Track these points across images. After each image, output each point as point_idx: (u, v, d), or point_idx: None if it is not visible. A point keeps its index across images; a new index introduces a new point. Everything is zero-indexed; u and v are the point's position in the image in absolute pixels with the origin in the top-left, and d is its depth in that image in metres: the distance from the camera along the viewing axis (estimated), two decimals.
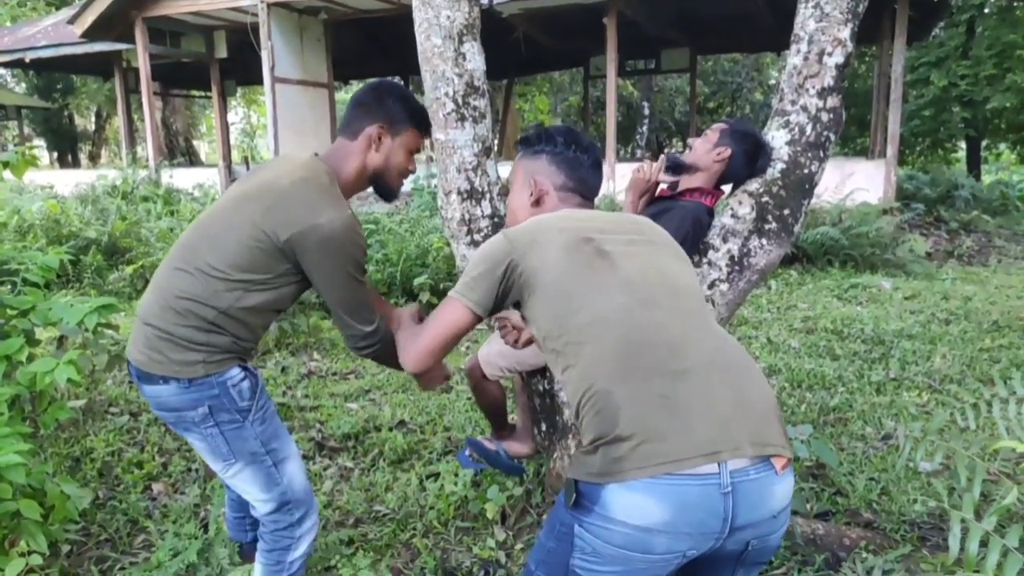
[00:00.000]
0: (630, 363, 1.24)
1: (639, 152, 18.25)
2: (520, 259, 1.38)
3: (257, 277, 1.66)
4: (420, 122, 1.81)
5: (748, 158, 2.28)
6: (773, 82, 19.61)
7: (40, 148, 21.60)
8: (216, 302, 1.64)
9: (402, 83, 17.93)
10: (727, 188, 2.42)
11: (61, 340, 3.29)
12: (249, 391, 1.72)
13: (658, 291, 1.34)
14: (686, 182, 2.34)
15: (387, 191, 1.84)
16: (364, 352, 1.77)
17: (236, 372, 1.71)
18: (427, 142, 2.01)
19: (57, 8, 17.99)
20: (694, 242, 2.25)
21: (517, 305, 1.44)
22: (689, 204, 2.28)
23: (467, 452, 2.75)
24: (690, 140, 2.41)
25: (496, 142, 17.60)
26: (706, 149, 2.32)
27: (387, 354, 1.78)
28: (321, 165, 1.74)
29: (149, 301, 1.71)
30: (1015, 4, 11.43)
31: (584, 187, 1.62)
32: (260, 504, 1.79)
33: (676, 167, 2.33)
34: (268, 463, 1.75)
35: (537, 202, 1.61)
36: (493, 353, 2.55)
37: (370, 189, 1.85)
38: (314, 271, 1.65)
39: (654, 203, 2.45)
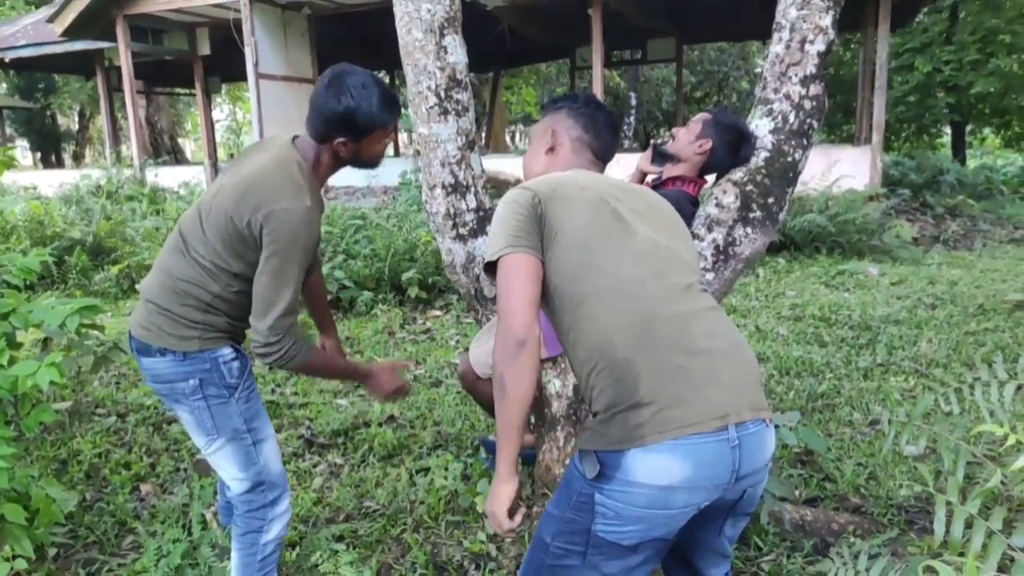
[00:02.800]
0: (648, 335, 1.30)
1: (627, 142, 18.23)
2: (545, 204, 1.41)
3: (234, 267, 1.74)
4: (384, 122, 1.77)
5: (731, 149, 2.28)
6: (759, 71, 19.60)
7: (23, 149, 21.39)
8: (209, 287, 1.75)
9: (387, 77, 17.87)
10: (711, 177, 2.43)
11: (46, 342, 3.26)
12: (238, 370, 1.83)
13: (666, 265, 1.40)
14: (668, 171, 2.35)
15: (365, 167, 1.89)
16: (269, 358, 1.72)
17: (228, 351, 1.82)
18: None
19: (36, 7, 17.76)
20: None
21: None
22: (671, 193, 2.29)
23: (485, 456, 2.81)
24: (675, 129, 2.41)
25: (484, 135, 17.57)
26: (688, 140, 2.32)
27: (306, 361, 1.78)
28: (294, 155, 1.77)
29: (152, 280, 1.83)
30: None
31: (597, 143, 1.68)
32: (236, 483, 1.87)
33: (660, 157, 2.36)
34: (248, 441, 1.84)
35: (551, 149, 1.68)
36: (484, 352, 2.54)
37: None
38: (262, 252, 1.68)
39: None
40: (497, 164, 10.73)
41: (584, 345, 1.34)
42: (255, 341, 1.73)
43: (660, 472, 1.23)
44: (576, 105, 1.69)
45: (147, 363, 1.79)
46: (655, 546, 1.32)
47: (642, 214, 1.47)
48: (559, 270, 1.37)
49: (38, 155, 21.34)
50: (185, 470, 3.01)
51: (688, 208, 2.29)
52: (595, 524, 1.29)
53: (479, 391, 2.66)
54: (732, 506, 1.37)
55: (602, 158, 1.69)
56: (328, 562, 2.25)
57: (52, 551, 2.36)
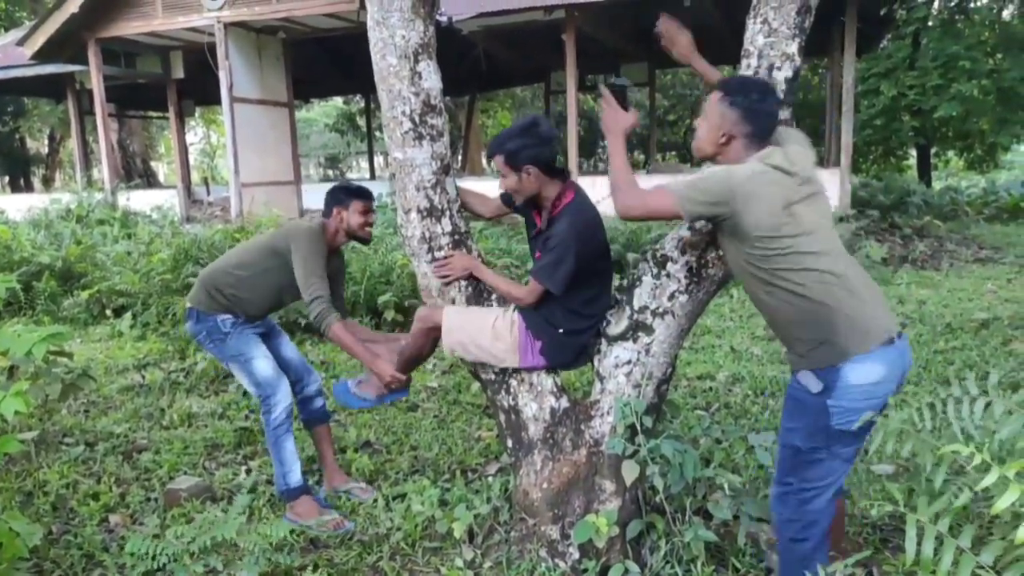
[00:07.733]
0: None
1: (601, 165, 18.42)
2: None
3: None
4: (358, 196, 2.82)
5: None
6: None
7: None
8: None
9: (362, 101, 17.90)
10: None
11: (12, 370, 3.19)
12: None
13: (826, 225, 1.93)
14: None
15: (359, 240, 2.89)
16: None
17: None
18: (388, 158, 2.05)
19: (6, 29, 17.59)
20: None
21: None
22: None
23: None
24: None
25: (460, 158, 17.62)
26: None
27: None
28: (319, 222, 2.85)
29: None
30: (956, 18, 11.85)
31: (766, 132, 2.01)
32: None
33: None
34: None
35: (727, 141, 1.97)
36: (455, 323, 2.38)
37: None
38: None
39: None
40: (473, 186, 10.76)
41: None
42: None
43: (868, 374, 1.79)
44: (750, 101, 1.96)
45: None
46: (868, 428, 1.84)
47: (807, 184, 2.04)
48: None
49: (6, 179, 20.98)
50: (156, 500, 2.95)
51: None
52: (831, 420, 1.82)
53: (418, 343, 2.54)
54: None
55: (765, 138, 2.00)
56: None
57: None
